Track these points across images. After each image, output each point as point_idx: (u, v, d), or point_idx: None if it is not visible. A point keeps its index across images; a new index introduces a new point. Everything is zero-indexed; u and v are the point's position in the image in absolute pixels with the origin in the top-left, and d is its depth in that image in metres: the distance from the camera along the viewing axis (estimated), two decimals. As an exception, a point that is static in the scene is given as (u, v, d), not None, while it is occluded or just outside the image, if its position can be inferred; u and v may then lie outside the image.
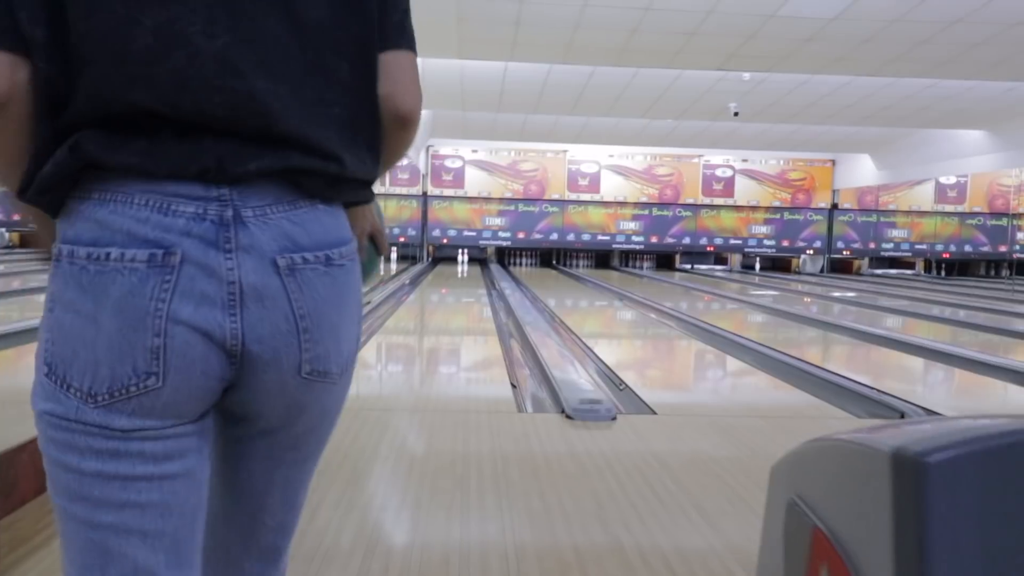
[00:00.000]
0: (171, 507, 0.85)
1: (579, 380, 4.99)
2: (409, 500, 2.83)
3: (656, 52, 8.98)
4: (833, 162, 19.64)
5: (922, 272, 20.59)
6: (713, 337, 7.57)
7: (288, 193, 0.87)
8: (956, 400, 5.70)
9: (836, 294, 14.00)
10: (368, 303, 7.91)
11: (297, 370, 0.88)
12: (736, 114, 12.34)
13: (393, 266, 17.10)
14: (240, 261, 0.83)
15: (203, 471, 0.90)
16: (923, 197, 19.75)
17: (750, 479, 3.10)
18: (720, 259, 20.65)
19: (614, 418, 4.19)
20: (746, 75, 10.69)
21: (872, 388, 5.01)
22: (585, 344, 6.99)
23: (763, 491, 1.07)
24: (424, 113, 10.29)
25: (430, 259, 19.40)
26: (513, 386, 5.06)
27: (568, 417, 4.14)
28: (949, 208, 19.76)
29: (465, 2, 7.52)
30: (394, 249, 19.04)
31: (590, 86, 11.34)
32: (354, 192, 0.97)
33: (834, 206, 19.87)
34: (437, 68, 10.05)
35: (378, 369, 5.96)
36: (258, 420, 0.93)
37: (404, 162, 18.56)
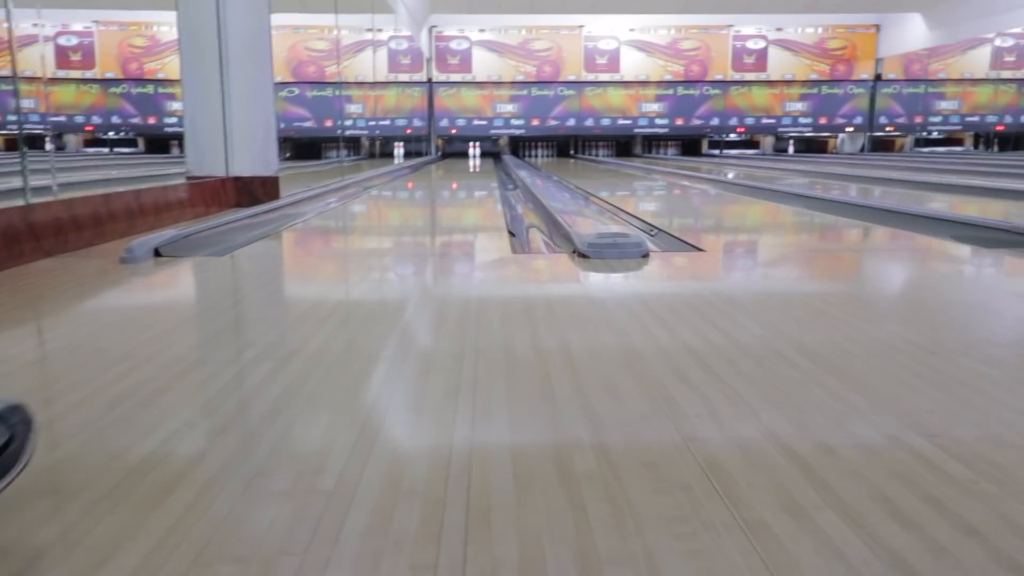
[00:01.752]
0: None
1: (599, 227, 3.81)
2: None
3: None
4: (878, 27, 17.73)
5: (971, 148, 18.86)
6: (758, 191, 6.33)
7: None
8: None
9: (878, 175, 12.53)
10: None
11: None
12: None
13: (399, 161, 15.82)
14: None
15: None
16: (977, 63, 17.86)
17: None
18: (751, 143, 19.03)
19: (646, 255, 3.03)
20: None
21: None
22: (614, 206, 5.78)
23: None
24: None
25: (439, 153, 18.03)
26: (511, 234, 3.90)
27: (582, 256, 2.98)
28: (1007, 74, 17.88)
29: None
30: (399, 145, 17.70)
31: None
32: None
33: (877, 77, 18.05)
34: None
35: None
36: None
37: (405, 45, 17.01)
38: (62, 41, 16.91)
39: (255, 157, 5.30)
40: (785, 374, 1.51)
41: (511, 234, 3.89)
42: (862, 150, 18.38)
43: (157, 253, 3.08)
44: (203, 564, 0.86)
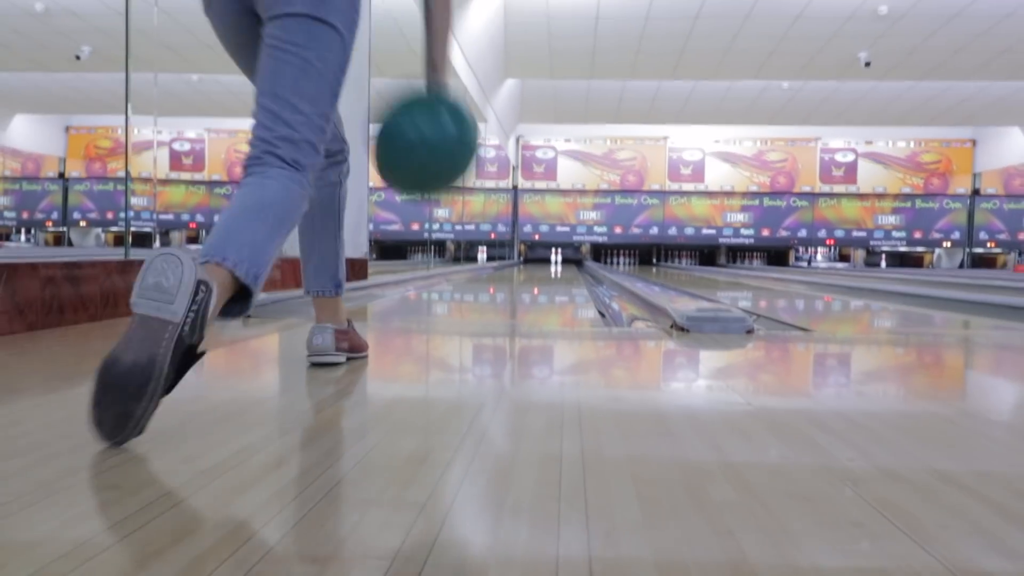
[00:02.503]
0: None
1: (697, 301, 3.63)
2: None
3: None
4: (974, 142, 17.34)
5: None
6: (860, 291, 6.02)
7: None
8: None
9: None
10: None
11: None
12: (868, 64, 10.64)
13: (483, 264, 16.04)
14: None
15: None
16: (1085, 179, 17.14)
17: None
18: (842, 256, 18.54)
19: (750, 331, 2.82)
20: (883, 8, 9.06)
21: None
22: (706, 298, 5.58)
23: None
24: (512, 88, 9.18)
25: (521, 259, 18.22)
26: (602, 315, 3.75)
27: (681, 329, 2.80)
28: (1118, 190, 17.07)
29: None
30: (483, 249, 18.00)
31: (695, 34, 9.94)
32: None
33: (975, 191, 17.50)
34: (522, 20, 8.91)
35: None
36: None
37: (492, 154, 17.58)
38: (176, 146, 18.18)
39: (347, 239, 5.37)
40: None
41: (602, 315, 3.74)
42: (961, 266, 17.63)
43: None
44: None
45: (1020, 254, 17.67)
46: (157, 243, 17.69)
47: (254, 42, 1.59)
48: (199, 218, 18.02)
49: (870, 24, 9.52)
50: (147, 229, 14.88)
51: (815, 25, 9.59)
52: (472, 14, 8.66)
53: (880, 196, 17.69)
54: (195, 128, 18.02)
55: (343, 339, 1.93)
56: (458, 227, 17.73)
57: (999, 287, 6.64)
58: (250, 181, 1.47)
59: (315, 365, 1.90)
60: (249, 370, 2.08)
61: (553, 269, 16.85)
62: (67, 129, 18.42)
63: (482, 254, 18.12)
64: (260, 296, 3.21)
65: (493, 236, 18.00)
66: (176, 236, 18.30)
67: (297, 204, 1.50)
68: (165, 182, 17.86)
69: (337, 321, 1.95)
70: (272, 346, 2.58)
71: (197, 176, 18.19)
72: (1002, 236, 17.57)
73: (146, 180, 12.21)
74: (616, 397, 1.64)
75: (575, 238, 18.19)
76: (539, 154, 18.16)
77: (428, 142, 1.69)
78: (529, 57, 11.01)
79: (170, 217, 17.94)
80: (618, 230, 18.03)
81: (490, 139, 16.38)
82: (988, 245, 17.66)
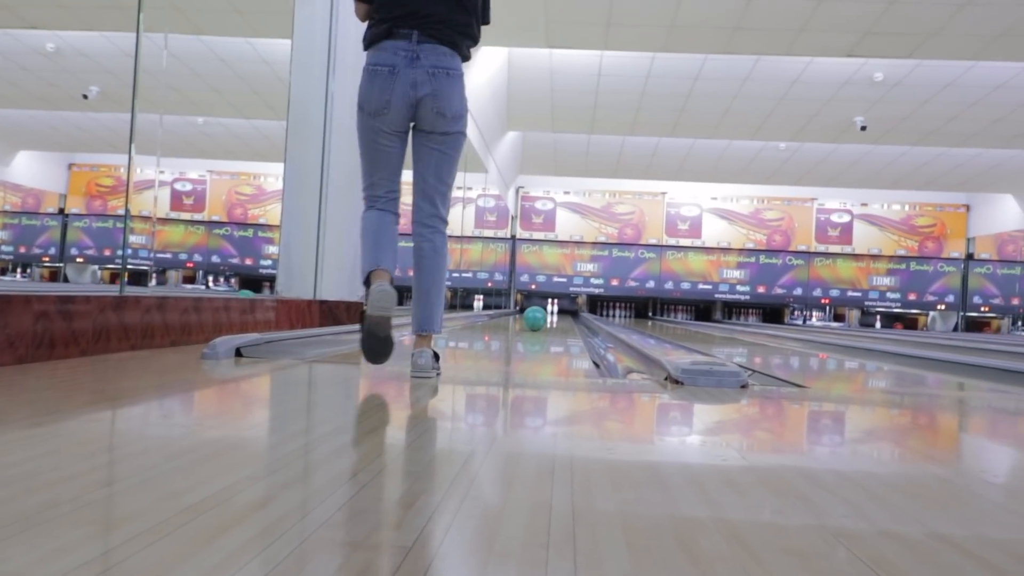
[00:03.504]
0: (390, 157, 2.77)
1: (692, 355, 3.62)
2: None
3: (774, 31, 7.70)
4: (967, 207, 17.54)
5: (1076, 334, 17.86)
6: (855, 351, 6.01)
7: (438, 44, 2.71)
8: None
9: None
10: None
11: (432, 110, 2.70)
12: (863, 128, 10.82)
13: (478, 312, 16.03)
14: (416, 71, 2.68)
15: (403, 149, 2.80)
16: (1077, 247, 17.31)
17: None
18: (837, 316, 18.57)
19: (745, 385, 2.81)
20: (879, 75, 9.26)
21: None
22: (702, 352, 5.57)
23: None
24: (513, 140, 9.59)
25: (517, 308, 18.23)
26: (596, 366, 3.74)
27: (675, 382, 2.79)
28: (1110, 259, 17.20)
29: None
30: (479, 297, 18.02)
31: (695, 93, 10.12)
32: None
33: (969, 256, 17.64)
34: (525, 75, 9.07)
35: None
36: (422, 127, 2.75)
37: (492, 203, 17.73)
38: (178, 186, 18.31)
39: (342, 282, 5.38)
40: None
41: (596, 366, 3.72)
42: (955, 329, 17.67)
43: (239, 353, 3.04)
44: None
45: (1014, 320, 17.74)
46: (153, 282, 17.68)
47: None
48: (196, 258, 18.05)
49: (866, 90, 9.72)
50: (144, 267, 14.92)
51: (812, 89, 9.78)
52: (477, 68, 8.82)
53: (875, 257, 17.81)
54: (198, 169, 18.17)
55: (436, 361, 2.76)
56: (455, 274, 17.76)
57: (994, 351, 6.64)
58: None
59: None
60: (240, 409, 2.06)
61: (549, 319, 16.82)
62: (70, 166, 18.56)
63: (478, 302, 18.12)
64: (253, 335, 3.19)
65: (490, 284, 18.02)
66: (173, 275, 18.30)
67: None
68: (165, 221, 17.93)
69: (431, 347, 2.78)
70: (264, 386, 2.56)
71: (197, 216, 18.27)
72: (996, 301, 17.65)
73: (146, 218, 12.27)
74: (609, 448, 1.62)
75: (572, 289, 18.22)
76: (538, 205, 18.31)
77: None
78: (531, 111, 11.19)
79: (168, 256, 17.97)
80: (615, 282, 18.08)
81: (490, 189, 16.53)
82: (982, 309, 17.72)
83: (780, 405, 2.61)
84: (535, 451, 1.54)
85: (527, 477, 1.26)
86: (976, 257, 17.64)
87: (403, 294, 13.69)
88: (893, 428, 2.37)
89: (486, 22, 2.93)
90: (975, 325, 17.95)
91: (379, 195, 2.78)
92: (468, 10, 2.78)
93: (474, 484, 1.19)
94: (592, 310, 18.38)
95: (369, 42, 2.75)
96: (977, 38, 7.63)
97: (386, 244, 2.74)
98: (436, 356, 2.77)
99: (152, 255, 16.61)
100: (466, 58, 2.82)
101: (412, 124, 2.76)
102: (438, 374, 2.74)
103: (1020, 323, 17.72)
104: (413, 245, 2.82)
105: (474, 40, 2.86)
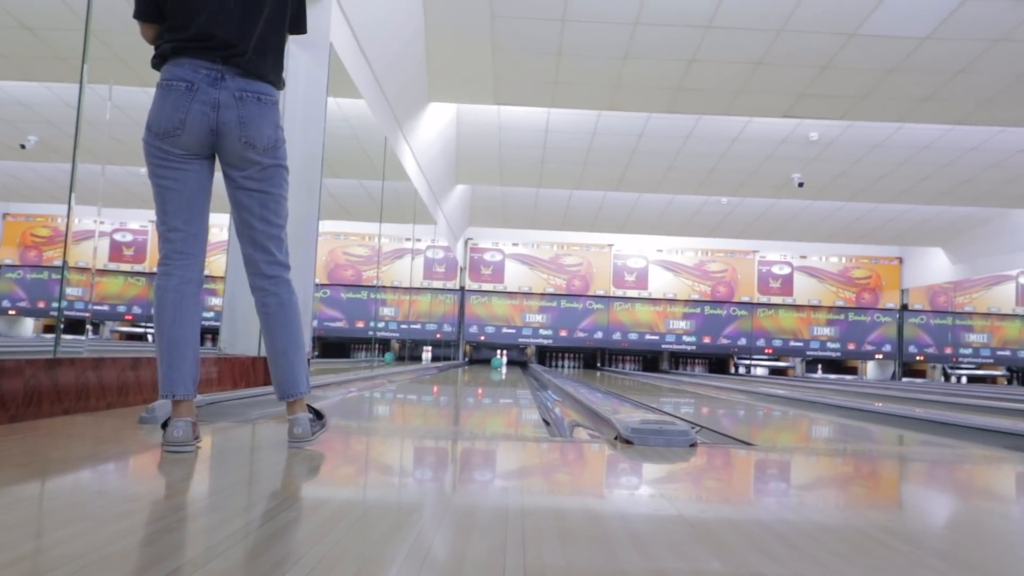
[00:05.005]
0: (182, 192, 2.33)
1: (641, 414, 3.64)
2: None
3: (715, 92, 7.99)
4: (900, 259, 18.22)
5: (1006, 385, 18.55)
6: (801, 403, 6.12)
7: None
8: None
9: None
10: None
11: (239, 140, 2.34)
12: (801, 184, 11.22)
13: (427, 364, 15.90)
14: (220, 92, 2.31)
15: (202, 179, 2.38)
16: (1004, 298, 18.08)
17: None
18: (776, 370, 18.94)
19: (693, 444, 2.83)
20: (814, 134, 9.65)
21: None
22: (650, 407, 5.61)
23: None
24: (462, 193, 9.78)
25: (466, 359, 18.15)
26: (546, 423, 3.73)
27: (625, 442, 2.79)
28: (1034, 311, 18.01)
29: (501, 30, 6.68)
30: (428, 348, 17.89)
31: (640, 149, 10.39)
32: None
33: (904, 307, 18.27)
34: (474, 130, 9.21)
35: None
36: (230, 162, 2.39)
37: (441, 255, 17.75)
38: (118, 237, 17.89)
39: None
40: None
41: (546, 423, 3.72)
42: (893, 376, 18.19)
43: (179, 416, 2.94)
44: None
45: (944, 373, 18.41)
46: (90, 333, 17.14)
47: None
48: (136, 310, 17.57)
49: (802, 148, 10.10)
50: (81, 316, 14.45)
51: (752, 147, 10.13)
52: (425, 123, 8.92)
53: (815, 308, 18.30)
54: (139, 219, 17.82)
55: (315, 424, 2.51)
56: (403, 326, 17.63)
57: (929, 400, 6.85)
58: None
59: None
60: (179, 480, 1.98)
61: (498, 370, 16.75)
62: (4, 216, 18.01)
63: (427, 353, 17.98)
64: (197, 397, 3.11)
65: (439, 336, 17.91)
66: (109, 326, 17.76)
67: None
68: (103, 272, 17.46)
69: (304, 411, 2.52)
70: (204, 453, 2.48)
71: (137, 267, 17.85)
72: (930, 350, 18.26)
73: (83, 270, 11.94)
74: (559, 514, 1.61)
75: (520, 340, 18.23)
76: (487, 256, 18.40)
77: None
78: (480, 165, 11.31)
79: (105, 308, 17.45)
80: (563, 333, 18.17)
81: (439, 240, 16.56)
82: (918, 358, 18.31)
83: (728, 463, 2.63)
84: (488, 511, 1.52)
85: (479, 546, 1.24)
86: (910, 308, 18.27)
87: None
88: (835, 479, 2.40)
89: (302, 31, 2.64)
90: (912, 372, 18.53)
91: (175, 247, 2.33)
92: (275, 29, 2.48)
93: (425, 545, 1.16)
94: (541, 361, 18.40)
95: (162, 58, 2.36)
96: (903, 101, 8.03)
97: (184, 349, 2.29)
98: (317, 414, 2.52)
99: (89, 307, 16.14)
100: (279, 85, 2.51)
101: (216, 157, 2.39)
102: (324, 428, 2.54)
103: (946, 377, 18.40)
104: (256, 303, 2.47)
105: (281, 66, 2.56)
